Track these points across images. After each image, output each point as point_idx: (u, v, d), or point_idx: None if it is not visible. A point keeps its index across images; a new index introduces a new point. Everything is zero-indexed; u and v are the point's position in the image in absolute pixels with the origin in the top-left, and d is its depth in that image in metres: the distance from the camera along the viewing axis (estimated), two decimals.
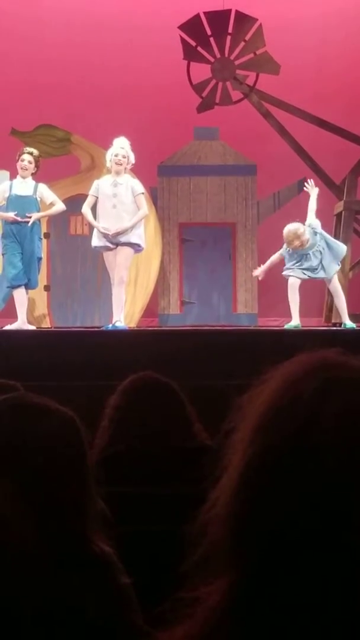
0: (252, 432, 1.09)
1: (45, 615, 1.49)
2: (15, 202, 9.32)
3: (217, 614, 1.08)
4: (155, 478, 2.92)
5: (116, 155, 9.29)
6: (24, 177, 9.45)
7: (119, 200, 9.26)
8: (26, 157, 9.42)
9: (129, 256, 9.36)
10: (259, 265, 11.65)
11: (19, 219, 9.25)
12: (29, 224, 9.22)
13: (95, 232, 9.32)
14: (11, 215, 9.25)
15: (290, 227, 9.73)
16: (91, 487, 1.88)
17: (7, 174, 9.69)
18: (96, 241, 9.31)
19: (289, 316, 11.90)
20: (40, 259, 9.55)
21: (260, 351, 6.45)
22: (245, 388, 1.15)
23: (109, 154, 9.36)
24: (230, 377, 5.80)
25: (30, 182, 9.48)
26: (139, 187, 9.41)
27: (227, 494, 1.09)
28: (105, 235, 9.16)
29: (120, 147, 9.32)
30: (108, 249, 9.25)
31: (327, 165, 11.28)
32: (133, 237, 9.31)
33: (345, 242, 10.92)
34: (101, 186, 9.29)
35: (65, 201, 10.01)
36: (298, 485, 1.03)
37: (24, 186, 9.43)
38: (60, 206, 9.57)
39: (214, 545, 1.09)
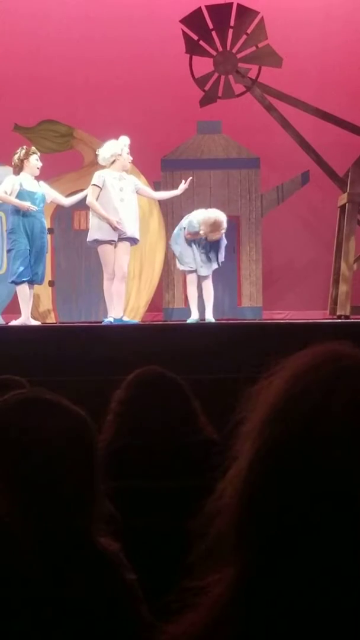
0: (262, 423, 1.09)
1: (50, 611, 1.49)
2: (28, 197, 9.32)
3: (222, 604, 1.08)
4: (160, 472, 2.92)
5: (128, 153, 9.36)
6: (32, 175, 9.47)
7: (126, 195, 9.28)
8: (38, 157, 9.47)
9: (129, 250, 9.39)
10: (263, 259, 11.68)
11: (34, 207, 9.25)
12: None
13: (95, 224, 9.29)
14: (27, 204, 9.25)
15: (219, 216, 9.63)
16: (99, 485, 1.88)
17: (10, 169, 9.70)
18: (98, 234, 9.28)
19: (294, 309, 11.92)
20: (46, 253, 9.63)
21: (265, 345, 6.45)
22: (254, 380, 1.15)
23: (117, 149, 9.34)
24: (235, 371, 5.80)
25: (34, 179, 9.52)
26: (138, 181, 9.63)
27: (235, 485, 1.09)
28: (114, 229, 9.15)
29: (126, 145, 9.38)
30: (110, 242, 9.24)
31: (330, 158, 11.27)
32: (137, 232, 9.34)
33: (349, 234, 10.92)
34: (107, 179, 9.28)
35: (69, 196, 10.02)
36: (306, 476, 1.03)
37: (32, 183, 9.46)
38: (72, 199, 9.82)
39: (220, 536, 1.10)
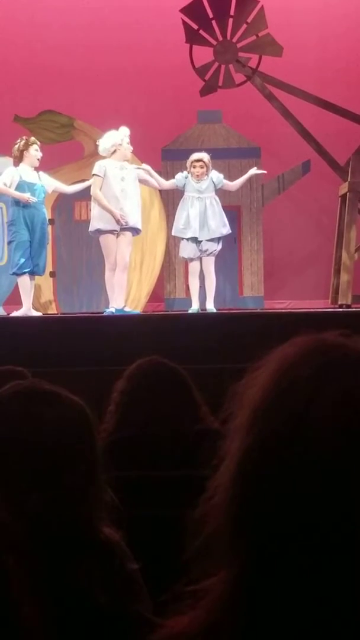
0: (250, 418, 1.07)
1: (52, 600, 1.49)
2: (27, 189, 9.31)
3: (220, 604, 1.07)
4: (162, 462, 2.92)
5: (128, 143, 9.34)
6: (32, 166, 9.46)
7: (127, 185, 9.26)
8: (38, 148, 9.46)
9: (131, 240, 9.39)
10: (264, 249, 11.67)
11: (33, 199, 9.24)
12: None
13: (97, 214, 9.28)
14: (27, 195, 9.24)
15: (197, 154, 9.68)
16: (100, 476, 1.88)
17: (10, 160, 9.68)
18: (100, 224, 9.26)
19: (295, 298, 11.92)
20: (47, 244, 9.63)
21: (267, 334, 6.44)
22: (241, 373, 1.13)
23: (118, 139, 9.32)
24: (237, 361, 5.79)
25: (34, 170, 9.50)
26: (140, 171, 9.60)
27: (226, 482, 1.08)
28: (118, 222, 9.14)
29: (126, 135, 9.36)
30: (112, 232, 9.24)
31: (331, 147, 11.25)
32: (139, 222, 9.33)
33: (350, 223, 10.90)
34: (108, 168, 9.26)
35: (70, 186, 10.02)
36: (297, 471, 1.02)
37: (32, 174, 9.45)
38: (75, 187, 9.80)
39: (215, 535, 1.08)
